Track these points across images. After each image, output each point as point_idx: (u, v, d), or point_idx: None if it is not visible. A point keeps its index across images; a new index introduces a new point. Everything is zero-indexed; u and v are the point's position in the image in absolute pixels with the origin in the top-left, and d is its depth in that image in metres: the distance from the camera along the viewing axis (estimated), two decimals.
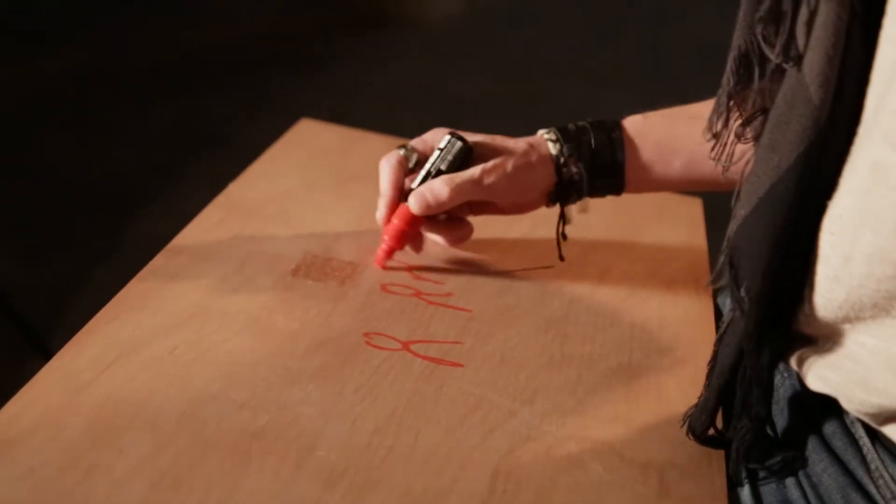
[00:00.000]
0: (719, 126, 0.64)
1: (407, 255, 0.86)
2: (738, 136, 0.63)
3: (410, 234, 0.83)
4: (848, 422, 0.63)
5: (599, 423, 0.68)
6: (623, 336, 0.79)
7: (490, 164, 0.81)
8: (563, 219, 0.87)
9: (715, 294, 0.87)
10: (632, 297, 0.85)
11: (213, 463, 0.59)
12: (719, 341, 0.64)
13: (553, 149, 0.83)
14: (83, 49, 3.42)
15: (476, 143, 0.82)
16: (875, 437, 0.61)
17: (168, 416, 0.62)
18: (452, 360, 0.73)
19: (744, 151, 0.64)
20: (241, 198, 0.93)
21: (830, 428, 0.64)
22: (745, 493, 0.66)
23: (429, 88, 3.32)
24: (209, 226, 0.87)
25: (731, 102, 0.62)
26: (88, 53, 3.39)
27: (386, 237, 0.83)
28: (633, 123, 0.84)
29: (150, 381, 0.65)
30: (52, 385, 0.63)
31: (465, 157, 0.81)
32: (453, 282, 0.83)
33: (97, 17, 3.72)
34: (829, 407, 0.62)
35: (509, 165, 0.81)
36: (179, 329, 0.71)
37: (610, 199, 0.86)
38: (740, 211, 0.58)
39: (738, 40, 0.58)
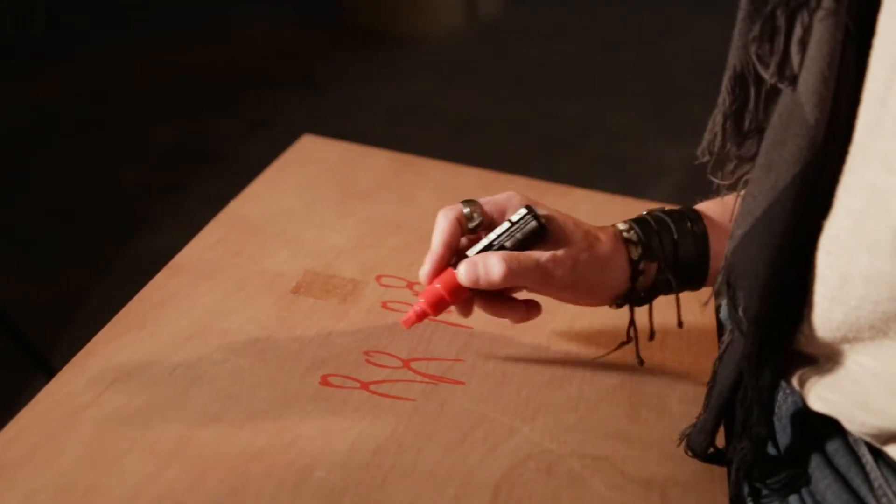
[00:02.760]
0: (715, 145, 0.64)
1: (406, 271, 0.86)
2: (736, 156, 0.63)
3: (450, 303, 0.72)
4: (851, 440, 0.63)
5: (601, 439, 0.68)
6: (625, 353, 0.78)
7: (561, 252, 0.70)
8: (633, 328, 0.77)
9: (717, 310, 0.86)
10: (635, 313, 0.84)
11: (212, 485, 0.59)
12: (719, 361, 0.63)
13: (634, 252, 0.72)
14: (83, 68, 3.43)
15: (552, 221, 0.72)
16: (878, 455, 0.60)
17: (167, 439, 0.62)
18: (453, 378, 0.73)
19: (742, 172, 0.64)
20: (242, 216, 0.93)
21: (833, 446, 0.64)
22: None
23: (430, 105, 3.33)
24: (210, 244, 0.87)
25: (728, 122, 0.62)
26: (89, 73, 3.40)
27: (422, 299, 0.72)
28: (711, 209, 0.75)
29: (148, 403, 0.65)
30: (50, 408, 0.63)
31: (535, 239, 0.71)
32: None
33: (98, 37, 3.73)
34: (831, 425, 0.62)
35: (581, 259, 0.70)
36: (179, 350, 0.71)
37: (614, 212, 0.85)
38: (737, 231, 0.58)
39: (733, 60, 0.58)
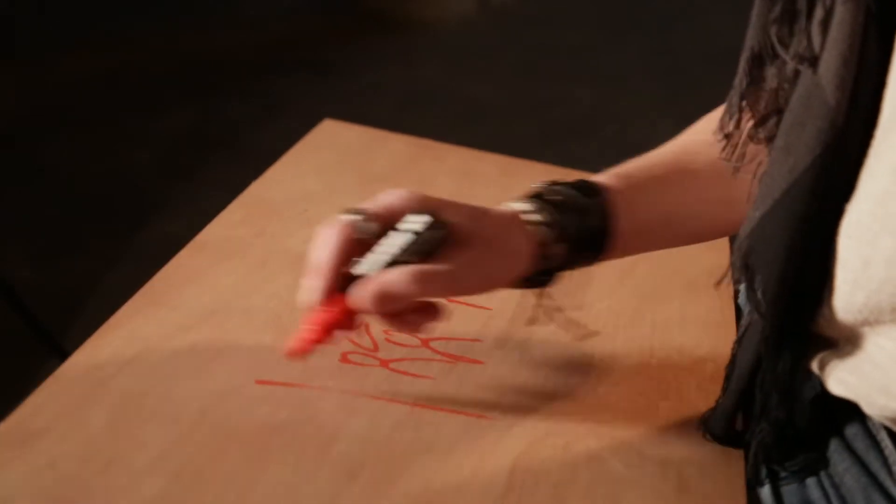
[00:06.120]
0: (731, 127, 0.64)
1: None
2: (751, 137, 0.63)
3: (343, 326, 0.61)
4: (870, 424, 0.63)
5: (619, 420, 0.68)
6: (644, 335, 0.78)
7: (470, 256, 0.62)
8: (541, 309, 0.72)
9: (736, 294, 0.87)
10: (653, 296, 0.85)
11: (234, 456, 0.59)
12: (738, 344, 0.63)
13: (539, 235, 0.65)
14: (96, 53, 3.45)
15: (452, 226, 0.62)
16: None
17: (189, 410, 0.63)
18: (472, 358, 0.73)
19: (755, 153, 0.64)
20: (263, 197, 0.94)
21: (852, 430, 0.64)
22: (766, 492, 0.65)
23: (442, 91, 3.33)
24: (231, 224, 0.88)
25: (744, 103, 0.62)
26: (100, 58, 3.42)
27: (313, 326, 0.60)
28: (616, 191, 0.69)
29: (171, 376, 0.66)
30: (74, 378, 0.64)
31: (441, 246, 0.61)
32: None
33: (111, 21, 3.75)
34: (850, 409, 0.61)
35: (489, 260, 0.63)
36: (201, 325, 0.72)
37: None
38: (755, 213, 0.57)
39: (751, 41, 0.58)
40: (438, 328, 0.76)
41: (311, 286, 0.61)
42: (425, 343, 0.74)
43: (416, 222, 0.60)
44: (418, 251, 0.60)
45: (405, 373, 0.70)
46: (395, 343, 0.73)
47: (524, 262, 0.65)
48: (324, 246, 0.61)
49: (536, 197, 0.67)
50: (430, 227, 0.60)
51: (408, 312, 0.63)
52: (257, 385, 0.66)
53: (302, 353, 0.60)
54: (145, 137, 2.85)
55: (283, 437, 0.61)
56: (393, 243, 0.60)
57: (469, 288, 0.63)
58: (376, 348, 0.72)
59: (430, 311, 0.64)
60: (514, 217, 0.65)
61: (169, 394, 0.64)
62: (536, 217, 0.65)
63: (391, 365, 0.71)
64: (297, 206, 0.93)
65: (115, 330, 0.70)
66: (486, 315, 0.78)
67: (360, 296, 0.59)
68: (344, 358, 0.71)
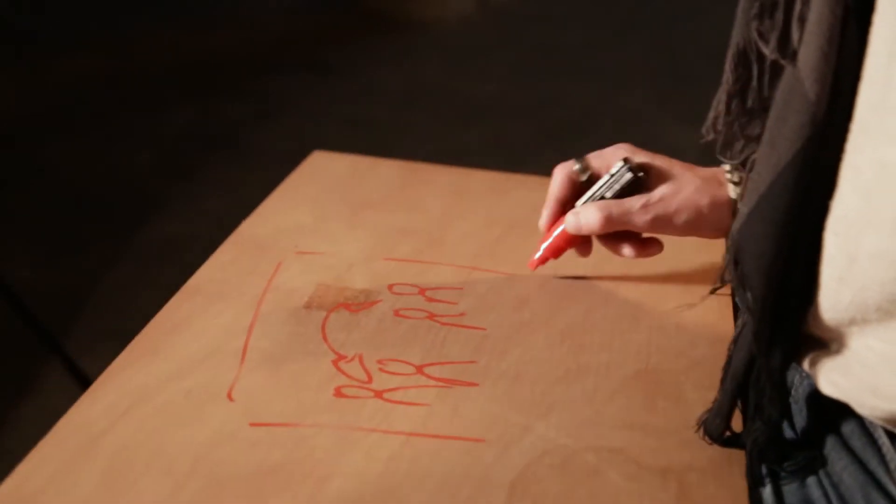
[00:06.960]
0: (720, 124, 0.64)
1: (417, 278, 0.86)
2: (742, 135, 0.63)
3: (566, 248, 0.85)
4: (867, 422, 0.62)
5: (616, 431, 0.67)
6: (640, 341, 0.78)
7: (655, 196, 0.79)
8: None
9: (734, 296, 0.86)
10: (650, 301, 0.84)
11: (229, 502, 0.59)
12: (734, 343, 0.63)
13: (734, 192, 0.78)
14: (96, 53, 3.48)
15: (651, 168, 0.80)
16: (894, 436, 0.60)
17: (183, 459, 0.63)
18: (467, 381, 0.73)
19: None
20: (254, 234, 0.94)
21: (849, 428, 0.63)
22: (767, 492, 0.65)
23: (441, 90, 3.33)
24: (222, 265, 0.88)
25: (733, 100, 0.62)
26: (101, 59, 3.45)
27: (543, 246, 0.86)
28: None
29: (164, 426, 0.66)
30: (67, 437, 0.64)
31: (634, 188, 0.80)
32: (466, 301, 0.83)
33: (110, 22, 3.78)
34: (846, 407, 0.61)
35: (673, 204, 0.78)
36: (194, 371, 0.72)
37: None
38: (743, 209, 0.57)
39: (736, 37, 0.58)
40: (433, 353, 0.76)
41: (542, 215, 0.85)
42: (420, 370, 0.73)
43: (614, 167, 0.80)
44: (612, 190, 0.80)
45: (400, 402, 0.70)
46: (388, 373, 0.73)
47: (720, 213, 0.79)
48: (551, 185, 0.84)
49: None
50: (620, 170, 0.80)
51: (625, 242, 0.84)
52: (251, 428, 0.66)
53: (536, 266, 0.87)
54: (145, 137, 2.86)
55: (278, 479, 0.61)
56: (597, 184, 0.81)
57: (654, 228, 0.80)
58: (370, 380, 0.72)
59: (645, 244, 0.84)
60: (715, 173, 0.80)
61: (162, 445, 0.64)
62: (735, 177, 0.78)
63: (385, 395, 0.70)
64: (288, 242, 0.93)
65: (107, 384, 0.70)
66: (480, 336, 0.78)
67: (566, 221, 0.83)
68: (338, 392, 0.70)
